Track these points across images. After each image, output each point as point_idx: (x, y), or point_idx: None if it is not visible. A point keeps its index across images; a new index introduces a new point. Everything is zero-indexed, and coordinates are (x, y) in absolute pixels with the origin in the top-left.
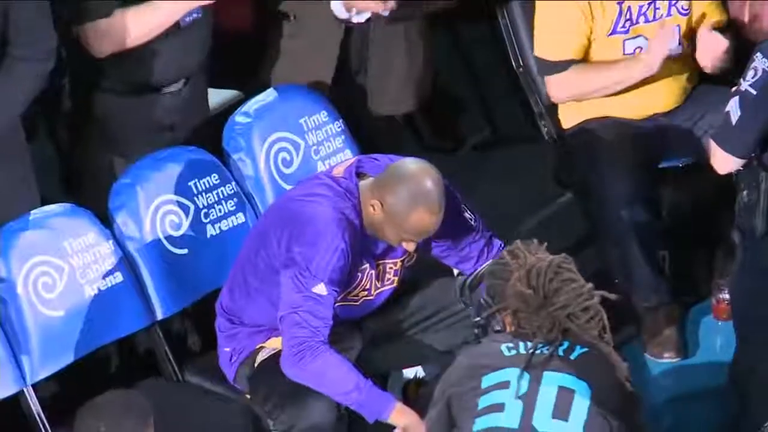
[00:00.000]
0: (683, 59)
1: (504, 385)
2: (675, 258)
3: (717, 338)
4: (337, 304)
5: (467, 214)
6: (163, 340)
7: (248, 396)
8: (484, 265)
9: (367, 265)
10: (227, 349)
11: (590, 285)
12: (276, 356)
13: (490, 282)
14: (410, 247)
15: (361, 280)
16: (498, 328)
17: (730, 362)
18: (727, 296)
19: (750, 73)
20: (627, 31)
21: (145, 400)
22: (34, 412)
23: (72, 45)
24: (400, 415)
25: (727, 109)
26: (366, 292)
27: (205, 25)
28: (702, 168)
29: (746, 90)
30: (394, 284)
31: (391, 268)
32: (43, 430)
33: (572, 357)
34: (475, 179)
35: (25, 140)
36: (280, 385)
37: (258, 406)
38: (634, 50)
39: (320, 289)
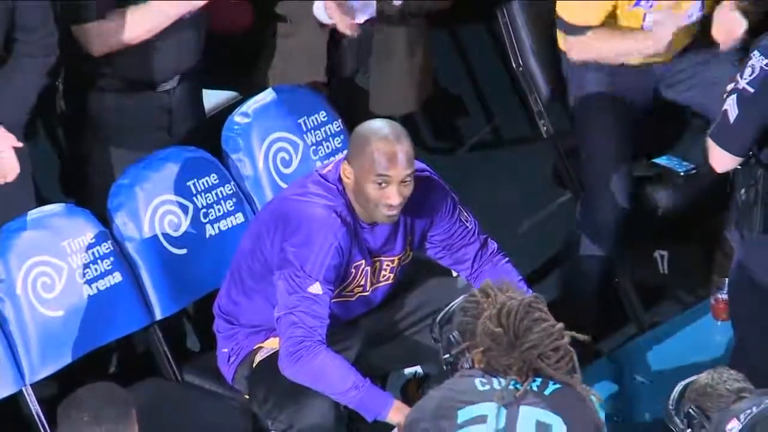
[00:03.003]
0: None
1: (481, 419)
2: (674, 258)
3: (716, 338)
4: (332, 301)
5: (463, 216)
6: (162, 340)
7: (247, 396)
8: (455, 302)
9: (363, 261)
10: (225, 350)
11: (561, 325)
12: (274, 356)
13: (460, 319)
14: (391, 196)
15: (355, 276)
16: (467, 365)
17: (729, 361)
18: (725, 296)
19: (747, 71)
20: (650, 6)
21: (127, 392)
22: (34, 411)
23: (65, 44)
24: (398, 413)
25: (724, 107)
26: (361, 288)
27: (199, 23)
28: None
29: (744, 88)
30: (390, 281)
31: (387, 265)
32: (42, 429)
33: (546, 392)
34: (475, 179)
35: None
36: (278, 385)
37: (257, 407)
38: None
39: (315, 288)
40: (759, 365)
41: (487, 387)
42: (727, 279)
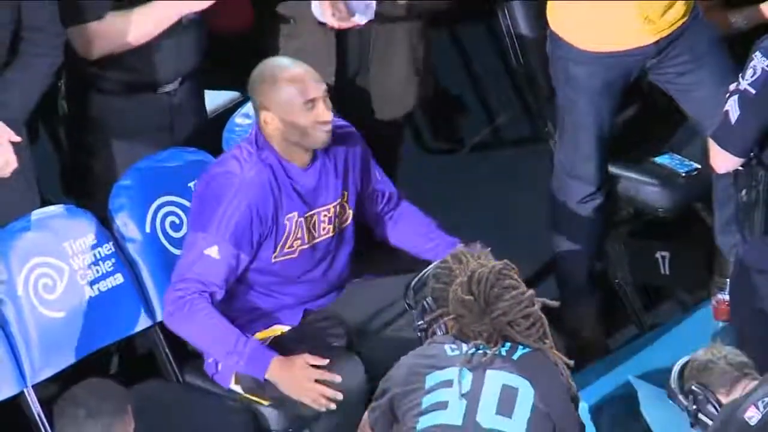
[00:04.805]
0: None
1: (448, 383)
2: (675, 258)
3: (717, 339)
4: (276, 261)
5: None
6: (163, 341)
7: (251, 396)
8: (428, 268)
9: (295, 213)
10: (210, 360)
11: (531, 292)
12: (275, 341)
13: (433, 286)
14: (324, 113)
15: (290, 229)
16: (440, 332)
17: None
18: (726, 296)
19: (749, 72)
20: None
21: (123, 387)
22: (35, 413)
23: (67, 45)
24: (279, 369)
25: (726, 107)
26: (300, 242)
27: (200, 25)
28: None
29: (745, 89)
30: (331, 234)
31: (325, 216)
32: (43, 431)
33: (514, 357)
34: (475, 179)
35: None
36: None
37: (272, 392)
38: None
39: (213, 251)
40: (760, 366)
41: (457, 352)
42: (728, 280)
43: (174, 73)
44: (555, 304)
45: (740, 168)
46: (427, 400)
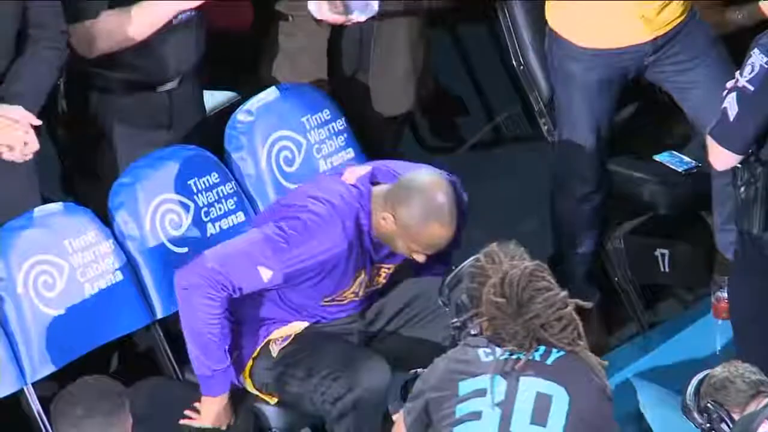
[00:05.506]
0: None
1: (481, 393)
2: (675, 256)
3: (716, 337)
4: (324, 305)
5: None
6: (163, 338)
7: (258, 393)
8: (464, 264)
9: (363, 271)
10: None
11: (564, 293)
12: (298, 337)
13: (467, 284)
14: (420, 258)
15: (351, 286)
16: (474, 332)
17: None
18: (726, 295)
19: (747, 69)
20: None
21: (119, 384)
22: (34, 410)
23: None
24: (217, 400)
25: (724, 105)
26: (354, 294)
27: (198, 23)
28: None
29: (744, 86)
30: (379, 285)
31: (384, 271)
32: (43, 428)
33: (548, 362)
34: (475, 179)
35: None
36: (323, 357)
37: (297, 386)
38: None
39: (266, 273)
40: (759, 364)
41: (491, 358)
42: (727, 278)
43: (173, 71)
44: (588, 305)
45: (739, 165)
46: (460, 410)
